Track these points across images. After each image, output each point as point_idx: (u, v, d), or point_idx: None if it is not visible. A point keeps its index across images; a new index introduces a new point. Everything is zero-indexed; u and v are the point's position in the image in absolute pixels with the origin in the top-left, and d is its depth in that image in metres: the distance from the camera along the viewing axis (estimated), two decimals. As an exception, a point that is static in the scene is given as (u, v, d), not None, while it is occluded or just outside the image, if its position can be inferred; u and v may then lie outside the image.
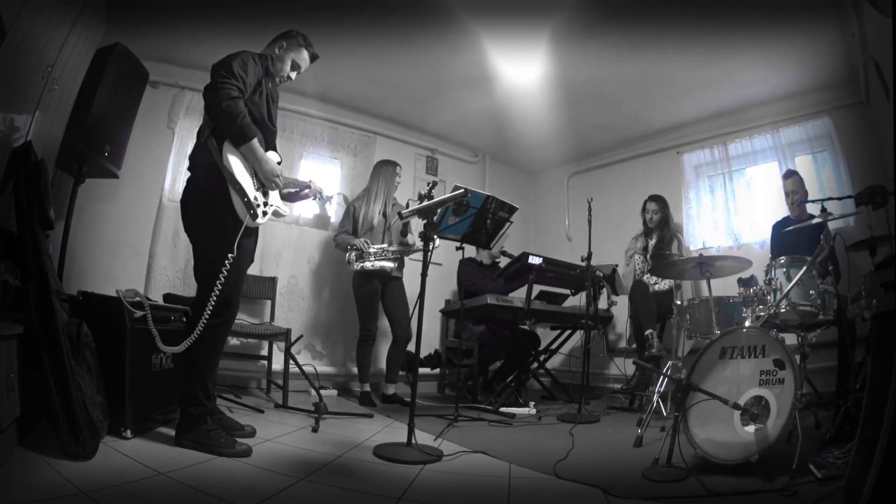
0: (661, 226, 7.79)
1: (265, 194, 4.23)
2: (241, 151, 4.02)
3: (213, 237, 3.99)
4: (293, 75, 4.65)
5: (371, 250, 6.84)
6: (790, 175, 6.67)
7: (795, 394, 3.62)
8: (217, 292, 3.80)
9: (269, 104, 4.37)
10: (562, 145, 9.93)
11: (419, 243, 6.14)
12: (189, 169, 4.21)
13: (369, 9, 6.09)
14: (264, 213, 4.20)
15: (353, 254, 6.86)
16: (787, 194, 6.56)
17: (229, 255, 3.87)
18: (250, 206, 4.03)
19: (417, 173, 9.65)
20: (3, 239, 3.72)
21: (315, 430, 4.88)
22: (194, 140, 4.24)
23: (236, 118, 3.86)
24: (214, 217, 3.99)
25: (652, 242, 7.74)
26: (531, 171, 11.57)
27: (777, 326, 4.82)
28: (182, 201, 4.20)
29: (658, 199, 7.90)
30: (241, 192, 3.97)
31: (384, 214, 7.18)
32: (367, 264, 6.78)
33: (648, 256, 7.66)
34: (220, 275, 3.82)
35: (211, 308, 3.80)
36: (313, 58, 4.79)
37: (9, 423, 3.07)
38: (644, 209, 7.96)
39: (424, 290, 4.49)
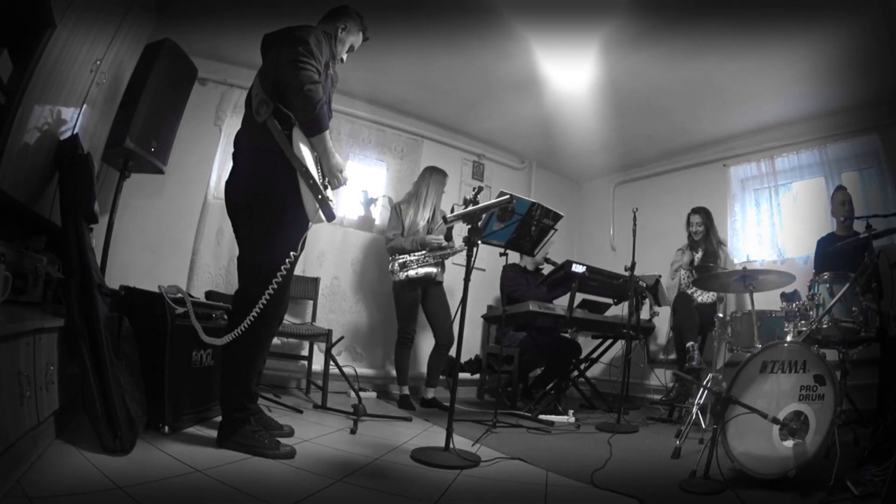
0: (705, 238, 7.74)
1: (325, 188, 3.99)
2: (311, 141, 3.89)
3: (275, 233, 3.87)
4: (345, 57, 4.56)
5: (412, 258, 6.82)
6: (841, 188, 6.66)
7: (835, 410, 3.58)
8: (271, 292, 3.69)
9: (330, 88, 4.25)
10: (608, 154, 9.93)
11: (459, 246, 6.16)
12: (240, 151, 4.04)
13: (419, 12, 6.11)
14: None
15: (397, 264, 6.82)
16: (842, 203, 6.51)
17: (291, 254, 3.79)
18: (324, 205, 3.89)
19: (463, 178, 9.66)
20: (47, 232, 3.77)
21: (353, 431, 4.88)
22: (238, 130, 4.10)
23: (316, 105, 3.72)
24: (279, 211, 3.86)
25: (698, 256, 7.71)
26: (577, 180, 11.57)
27: (818, 342, 4.81)
28: (231, 186, 4.03)
29: (702, 212, 7.87)
30: (316, 189, 3.83)
31: (429, 221, 7.16)
32: (412, 272, 6.76)
33: (694, 270, 7.61)
34: (279, 273, 3.72)
35: (260, 308, 3.66)
36: (365, 40, 4.70)
37: (47, 416, 3.09)
38: (688, 222, 7.94)
39: (467, 295, 4.47)
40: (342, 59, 4.52)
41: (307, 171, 3.79)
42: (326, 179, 4.07)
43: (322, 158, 4.00)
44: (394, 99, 8.58)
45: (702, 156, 9.30)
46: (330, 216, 3.97)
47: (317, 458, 3.85)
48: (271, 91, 3.83)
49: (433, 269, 6.82)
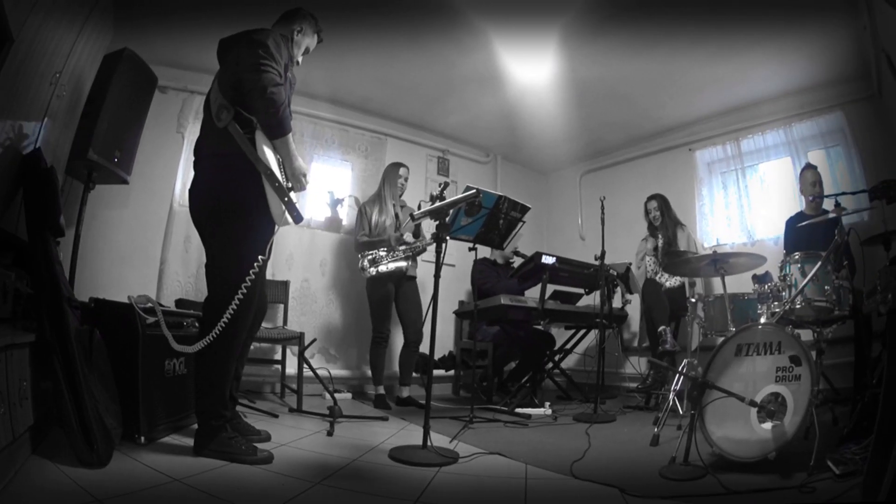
0: (664, 223, 7.78)
1: (289, 191, 3.98)
2: (275, 144, 3.89)
3: (242, 238, 3.85)
4: (301, 60, 4.54)
5: (382, 253, 6.80)
6: (811, 167, 6.64)
7: (812, 390, 3.60)
8: (241, 297, 3.68)
9: (289, 91, 4.15)
10: (573, 144, 9.94)
11: (428, 239, 6.17)
12: (201, 158, 4.01)
13: (379, 10, 6.09)
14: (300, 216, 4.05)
15: (367, 261, 6.83)
16: (812, 184, 6.47)
17: (259, 258, 3.80)
18: (291, 208, 3.91)
19: (429, 174, 9.66)
20: (13, 247, 3.72)
21: (330, 433, 4.85)
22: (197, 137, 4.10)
23: (279, 108, 3.71)
24: (245, 216, 3.84)
25: (660, 242, 7.72)
26: (543, 171, 11.58)
27: (793, 322, 4.84)
28: (195, 194, 4.01)
29: (657, 198, 7.93)
30: (282, 192, 3.84)
31: (396, 216, 7.15)
32: (382, 267, 6.75)
33: (659, 256, 7.64)
34: (248, 278, 3.70)
35: (230, 314, 3.66)
36: (319, 41, 4.70)
37: (22, 432, 3.06)
38: (645, 210, 8.00)
39: (437, 291, 4.49)
40: (298, 62, 4.51)
41: (272, 174, 3.80)
42: (290, 183, 4.06)
43: (285, 161, 4.00)
44: (356, 98, 8.58)
45: (667, 141, 9.36)
46: (297, 218, 3.99)
47: (294, 461, 3.85)
48: (231, 95, 3.83)
49: (403, 264, 6.83)
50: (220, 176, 3.87)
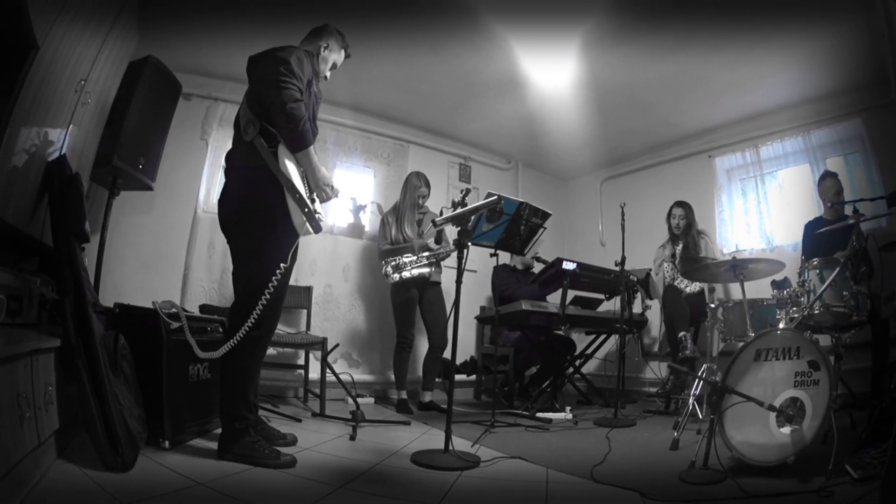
0: (686, 232, 7.73)
1: (312, 202, 4.08)
2: (297, 156, 3.98)
3: (265, 246, 3.95)
4: (329, 75, 4.62)
5: (406, 259, 6.78)
6: (832, 176, 6.58)
7: (830, 394, 3.60)
8: (264, 303, 3.74)
9: (315, 105, 4.32)
10: (594, 151, 9.93)
11: (451, 245, 6.17)
12: (230, 169, 4.13)
13: (398, 17, 6.10)
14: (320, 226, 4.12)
15: (390, 267, 6.80)
16: (836, 193, 6.39)
17: (281, 265, 3.86)
18: (311, 218, 3.97)
19: (451, 181, 9.66)
20: (39, 253, 3.79)
21: (353, 438, 4.89)
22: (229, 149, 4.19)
23: (299, 122, 3.81)
24: (268, 225, 3.93)
25: (678, 249, 7.71)
26: (564, 177, 11.56)
27: (811, 328, 4.79)
28: (223, 203, 4.13)
29: (684, 205, 7.86)
30: (302, 203, 3.91)
31: (418, 224, 7.18)
32: (406, 273, 6.73)
33: (677, 262, 7.62)
34: (270, 284, 3.77)
35: (254, 319, 3.72)
36: (347, 57, 4.78)
37: (48, 436, 3.09)
38: (670, 215, 7.93)
39: (459, 297, 4.49)
40: (326, 77, 4.60)
41: (293, 185, 3.87)
42: (314, 193, 4.15)
43: (308, 173, 4.08)
44: (378, 105, 8.58)
45: (687, 148, 9.31)
46: (317, 228, 4.05)
47: (317, 465, 3.87)
48: (257, 111, 3.93)
49: (427, 270, 6.82)
50: (246, 187, 3.97)
